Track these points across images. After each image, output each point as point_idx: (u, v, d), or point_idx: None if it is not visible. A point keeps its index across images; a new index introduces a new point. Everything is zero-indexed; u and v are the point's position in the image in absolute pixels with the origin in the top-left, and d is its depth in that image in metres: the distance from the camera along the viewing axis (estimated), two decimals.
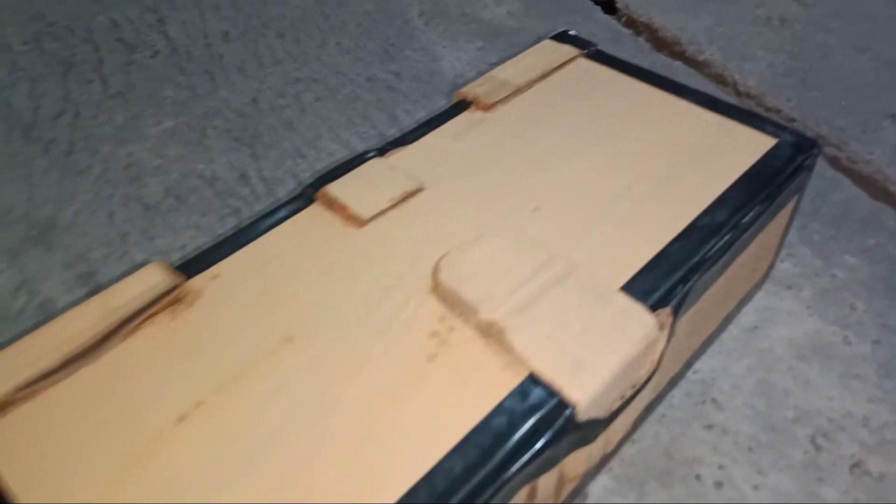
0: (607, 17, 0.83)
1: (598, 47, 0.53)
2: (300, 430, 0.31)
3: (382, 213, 0.41)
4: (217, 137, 0.65)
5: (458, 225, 0.40)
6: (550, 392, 0.33)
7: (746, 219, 0.41)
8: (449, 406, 0.32)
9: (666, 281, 0.37)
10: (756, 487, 0.43)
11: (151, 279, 0.36)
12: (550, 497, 0.36)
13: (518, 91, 0.49)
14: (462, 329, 0.35)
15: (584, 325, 0.35)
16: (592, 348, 0.34)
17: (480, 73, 0.49)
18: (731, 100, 0.74)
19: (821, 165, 0.64)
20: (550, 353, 0.34)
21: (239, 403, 0.32)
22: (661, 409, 0.46)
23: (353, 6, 0.82)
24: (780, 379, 0.48)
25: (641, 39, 0.80)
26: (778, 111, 0.71)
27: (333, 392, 0.33)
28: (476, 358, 0.34)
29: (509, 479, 0.30)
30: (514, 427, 0.31)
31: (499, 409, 0.32)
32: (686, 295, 0.37)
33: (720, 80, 0.76)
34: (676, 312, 0.37)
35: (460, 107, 0.48)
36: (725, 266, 0.41)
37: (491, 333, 0.35)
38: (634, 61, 0.52)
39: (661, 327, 0.36)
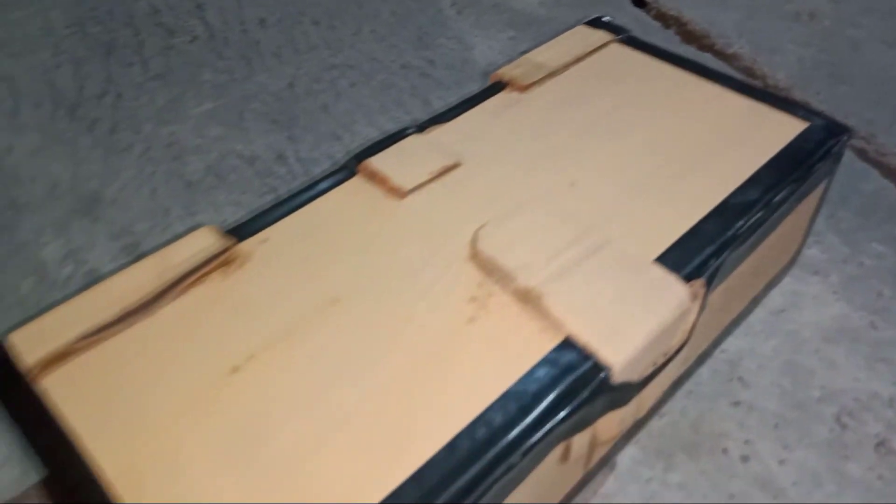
0: (637, 9, 0.84)
1: (632, 33, 0.54)
2: (347, 383, 0.33)
3: (422, 185, 0.42)
4: (255, 119, 0.66)
5: (495, 198, 0.42)
6: (586, 355, 0.34)
7: (777, 198, 0.41)
8: (488, 365, 0.33)
9: (699, 254, 0.38)
10: (782, 462, 0.44)
11: (204, 241, 0.38)
12: (582, 458, 0.37)
13: (553, 74, 0.50)
14: (500, 295, 0.37)
15: (620, 294, 0.36)
16: (627, 315, 0.35)
17: (512, 62, 0.50)
18: None
19: (849, 157, 0.65)
20: (586, 319, 0.35)
21: (289, 357, 0.34)
22: (688, 385, 0.47)
23: None
24: (807, 360, 0.49)
25: (671, 32, 0.81)
26: (807, 104, 0.72)
27: (378, 349, 0.34)
28: (514, 321, 0.35)
29: (546, 434, 0.31)
30: (550, 386, 0.33)
31: (536, 369, 0.33)
32: (718, 268, 0.38)
33: (749, 73, 0.76)
34: (709, 284, 0.38)
35: (496, 88, 0.49)
36: (756, 244, 0.42)
37: (528, 299, 0.36)
38: None
39: (694, 298, 0.37)
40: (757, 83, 0.75)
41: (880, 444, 0.44)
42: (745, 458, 0.44)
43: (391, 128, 0.65)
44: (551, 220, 0.39)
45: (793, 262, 0.53)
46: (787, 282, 0.53)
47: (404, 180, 0.42)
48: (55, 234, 0.56)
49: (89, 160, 0.62)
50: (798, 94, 0.73)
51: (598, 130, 0.46)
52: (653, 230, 0.40)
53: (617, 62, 0.51)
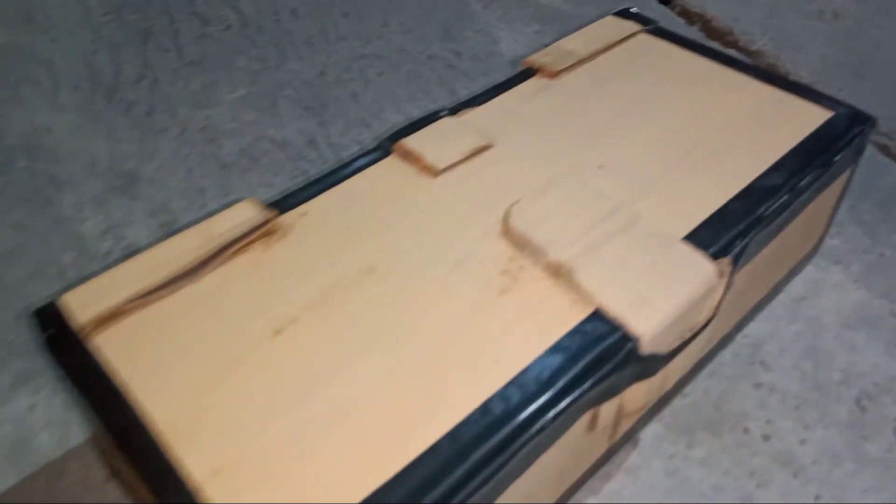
0: (662, 6, 0.85)
1: (659, 24, 0.55)
2: (383, 346, 0.34)
3: (454, 165, 0.44)
4: (287, 106, 0.68)
5: (526, 178, 0.43)
6: (615, 326, 0.35)
7: (802, 183, 0.42)
8: (520, 333, 0.35)
9: (726, 233, 0.39)
10: (802, 442, 0.44)
11: (247, 213, 0.40)
12: (608, 428, 0.38)
13: (582, 61, 0.51)
14: (531, 269, 0.38)
15: (649, 269, 0.37)
16: (656, 289, 0.36)
17: (541, 50, 0.51)
18: None
19: (871, 152, 0.66)
20: (616, 292, 0.36)
21: (329, 321, 0.35)
22: (711, 366, 0.48)
23: None
24: (828, 344, 0.49)
25: (695, 29, 0.82)
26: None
27: (412, 316, 0.35)
28: (545, 294, 0.37)
29: (575, 399, 0.33)
30: (581, 354, 0.34)
31: (567, 338, 0.34)
32: (744, 248, 0.39)
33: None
34: (735, 263, 0.39)
35: (527, 74, 0.51)
36: (781, 227, 0.43)
37: (559, 273, 0.37)
38: None
39: (721, 275, 0.38)
40: None
41: None
42: (766, 437, 0.45)
43: (418, 115, 0.66)
44: (582, 198, 0.40)
45: (815, 250, 0.54)
46: (808, 270, 0.54)
47: (437, 159, 0.43)
48: (94, 210, 0.57)
49: (127, 141, 0.64)
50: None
51: (626, 115, 0.47)
52: (681, 210, 0.41)
53: (645, 51, 0.52)
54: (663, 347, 0.36)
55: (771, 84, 0.49)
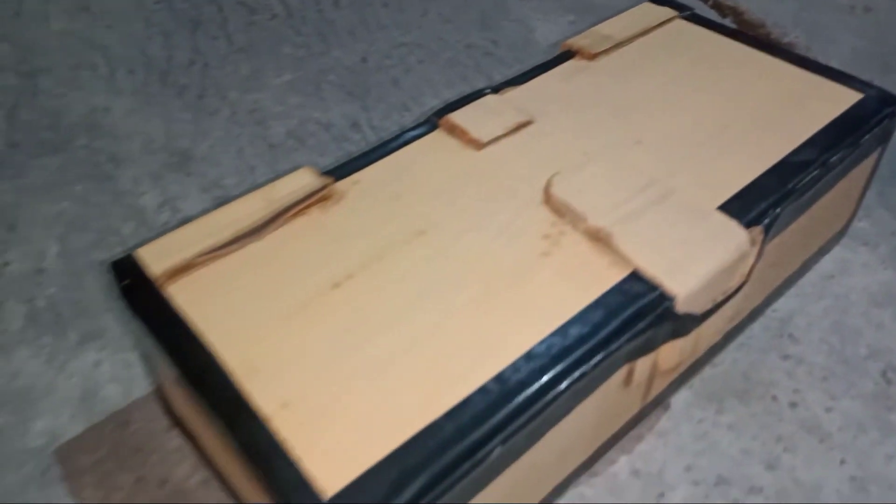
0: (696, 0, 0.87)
1: (695, 10, 0.57)
2: (433, 300, 0.36)
3: (498, 139, 0.46)
4: (331, 90, 0.71)
5: (566, 152, 0.45)
6: (652, 286, 0.37)
7: (832, 159, 0.44)
8: (561, 291, 0.37)
9: (759, 204, 0.41)
10: (828, 410, 0.46)
11: (305, 179, 0.42)
12: (643, 386, 0.41)
13: (619, 45, 0.53)
14: (571, 234, 0.40)
15: (685, 235, 0.39)
16: (692, 253, 0.38)
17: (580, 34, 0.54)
18: None
19: None
20: (653, 255, 0.38)
21: (382, 277, 0.38)
22: (740, 339, 0.50)
23: None
24: (855, 321, 0.51)
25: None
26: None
27: (459, 274, 0.38)
28: (585, 256, 0.39)
29: (615, 350, 0.35)
30: (620, 309, 0.36)
31: (606, 296, 0.37)
32: (776, 219, 0.41)
33: None
34: (766, 233, 0.41)
35: (566, 56, 0.53)
36: (811, 201, 0.45)
37: (598, 237, 0.39)
38: None
39: (753, 243, 0.40)
40: None
41: None
42: (793, 405, 0.46)
43: None
44: (620, 170, 0.43)
45: (843, 231, 0.56)
46: (836, 250, 0.56)
47: (481, 133, 0.46)
48: (152, 184, 0.61)
49: (180, 121, 0.67)
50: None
51: (662, 95, 0.49)
52: (715, 183, 0.43)
53: (681, 36, 0.54)
54: (697, 308, 0.38)
55: (803, 68, 0.51)
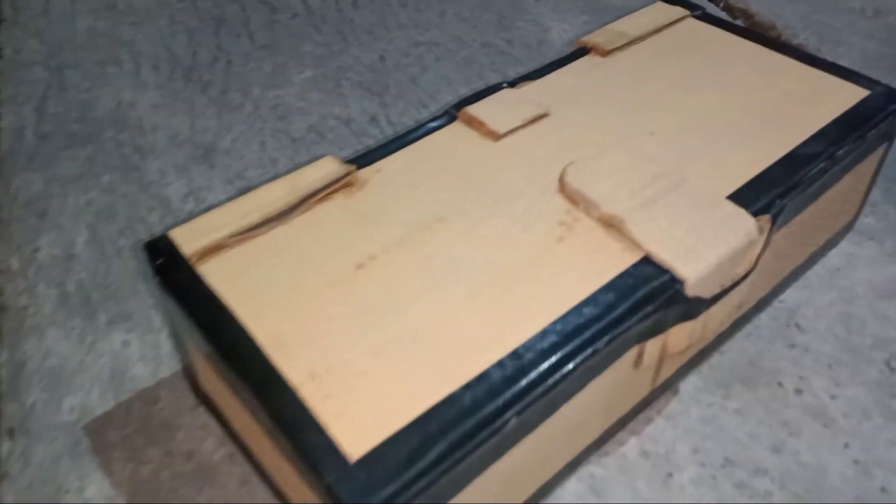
0: (706, 1, 0.88)
1: (707, 10, 0.58)
2: (454, 281, 0.38)
3: (514, 130, 0.48)
4: (351, 87, 0.73)
5: (580, 143, 0.47)
6: (663, 269, 0.39)
7: (840, 152, 0.46)
8: (575, 274, 0.39)
9: (767, 194, 0.43)
10: (833, 397, 0.47)
11: (329, 167, 0.44)
12: (653, 368, 0.42)
13: (633, 42, 0.55)
14: (585, 220, 0.42)
15: (695, 222, 0.41)
16: (701, 239, 0.40)
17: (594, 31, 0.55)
18: None
19: None
20: (664, 241, 0.40)
21: (404, 259, 0.39)
22: (748, 328, 0.51)
23: None
24: (861, 312, 0.52)
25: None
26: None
27: (477, 258, 0.39)
28: (598, 242, 0.40)
29: (626, 329, 0.36)
30: (631, 291, 0.38)
31: (618, 279, 0.38)
32: (783, 209, 0.43)
33: None
34: (774, 222, 0.42)
35: (581, 52, 0.55)
36: (817, 193, 0.46)
37: (611, 224, 0.41)
38: None
39: (761, 231, 0.41)
40: None
41: None
42: (798, 392, 0.48)
43: None
44: (633, 161, 0.44)
45: (850, 226, 0.57)
46: (843, 245, 0.57)
47: (499, 125, 0.48)
48: (177, 176, 0.63)
49: (204, 116, 0.69)
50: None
51: (675, 90, 0.51)
52: (725, 173, 0.44)
53: (693, 34, 0.56)
54: (706, 292, 0.40)
55: (812, 65, 0.53)
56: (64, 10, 0.84)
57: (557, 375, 0.34)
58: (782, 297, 0.53)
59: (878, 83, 0.51)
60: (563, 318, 0.36)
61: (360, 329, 0.36)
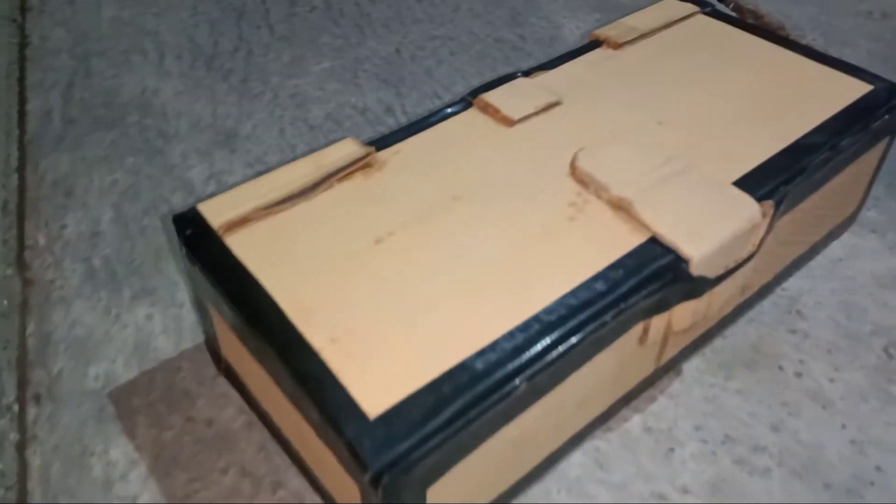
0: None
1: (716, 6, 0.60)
2: (468, 256, 0.40)
3: (528, 117, 0.49)
4: (367, 78, 0.75)
5: (592, 130, 0.49)
6: (669, 249, 0.40)
7: (842, 143, 0.47)
8: (585, 252, 0.40)
9: (771, 181, 0.44)
10: (832, 380, 0.49)
11: (349, 148, 0.46)
12: (657, 345, 0.44)
13: (644, 36, 0.57)
14: (595, 202, 0.43)
15: (701, 205, 0.42)
16: (706, 221, 0.41)
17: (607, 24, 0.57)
18: None
19: None
20: (671, 222, 0.41)
21: (422, 235, 0.41)
22: (750, 314, 0.53)
23: None
24: (861, 301, 0.54)
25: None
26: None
27: (492, 234, 0.41)
28: (608, 222, 0.42)
29: (632, 305, 0.38)
30: (638, 269, 0.39)
31: (626, 257, 0.40)
32: (786, 195, 0.44)
33: None
34: (777, 207, 0.44)
35: (593, 45, 0.56)
36: (820, 181, 0.48)
37: (620, 206, 0.43)
38: None
39: (764, 216, 0.43)
40: None
41: None
42: (798, 375, 0.49)
43: None
44: (642, 147, 0.46)
45: (852, 218, 0.59)
46: (845, 237, 0.59)
47: (513, 112, 0.49)
48: (199, 159, 0.65)
49: (226, 103, 0.71)
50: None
51: (683, 82, 0.52)
52: (731, 161, 0.46)
53: (702, 29, 0.58)
54: (710, 272, 0.42)
55: (818, 61, 0.54)
56: (89, 0, 0.87)
57: (566, 345, 0.36)
58: (785, 284, 0.55)
59: (881, 79, 0.52)
60: (573, 293, 0.38)
61: (379, 298, 0.38)
